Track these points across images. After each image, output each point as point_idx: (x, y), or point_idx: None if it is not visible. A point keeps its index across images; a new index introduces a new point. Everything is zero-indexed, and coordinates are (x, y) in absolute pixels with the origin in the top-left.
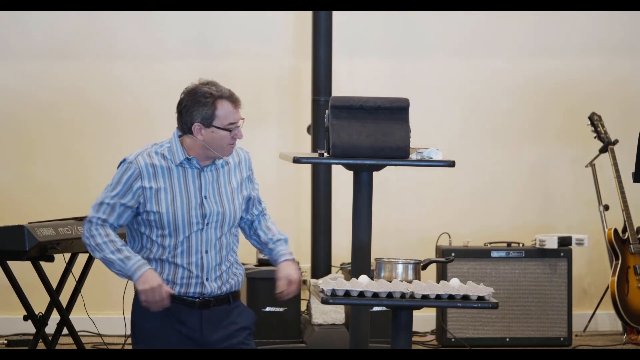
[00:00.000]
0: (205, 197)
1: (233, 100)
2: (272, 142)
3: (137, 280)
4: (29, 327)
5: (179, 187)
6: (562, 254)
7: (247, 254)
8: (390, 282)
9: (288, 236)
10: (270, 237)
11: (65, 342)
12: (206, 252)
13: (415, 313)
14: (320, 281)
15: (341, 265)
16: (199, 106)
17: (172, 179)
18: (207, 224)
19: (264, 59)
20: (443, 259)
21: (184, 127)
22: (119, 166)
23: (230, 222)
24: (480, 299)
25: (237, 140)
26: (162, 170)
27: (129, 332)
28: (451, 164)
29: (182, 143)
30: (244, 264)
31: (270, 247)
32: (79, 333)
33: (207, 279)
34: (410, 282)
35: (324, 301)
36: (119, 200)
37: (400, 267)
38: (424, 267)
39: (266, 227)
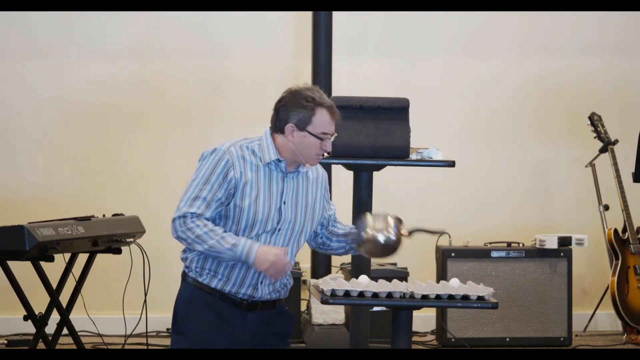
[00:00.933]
0: (284, 202)
1: (332, 111)
2: None
3: (254, 264)
4: (29, 327)
5: (264, 185)
6: (562, 254)
7: None
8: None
9: None
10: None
11: (65, 342)
12: None
13: (415, 313)
14: (320, 281)
15: (341, 265)
16: (298, 107)
17: (258, 175)
18: (279, 229)
19: (264, 59)
20: (433, 230)
21: (277, 124)
22: (204, 157)
23: (297, 233)
24: (480, 299)
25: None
26: (251, 165)
27: (129, 332)
28: (451, 164)
29: (274, 143)
30: None
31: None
32: (79, 333)
33: (261, 282)
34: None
35: (324, 301)
36: (214, 194)
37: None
38: (410, 234)
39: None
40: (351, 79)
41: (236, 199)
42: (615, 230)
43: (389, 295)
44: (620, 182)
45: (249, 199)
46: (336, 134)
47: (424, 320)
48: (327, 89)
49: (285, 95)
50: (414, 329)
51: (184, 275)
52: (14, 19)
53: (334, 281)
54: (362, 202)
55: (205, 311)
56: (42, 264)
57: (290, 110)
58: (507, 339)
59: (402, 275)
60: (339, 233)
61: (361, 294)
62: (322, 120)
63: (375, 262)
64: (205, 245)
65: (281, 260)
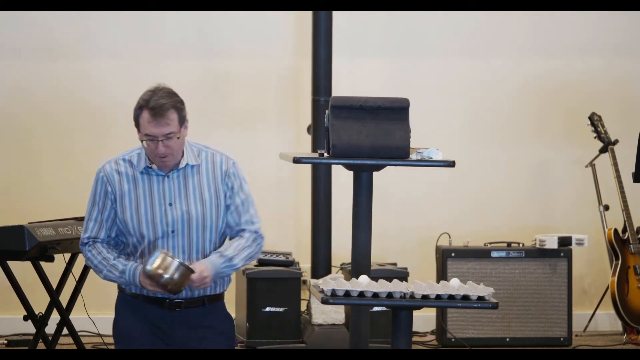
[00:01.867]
0: (170, 204)
1: (154, 113)
2: (272, 142)
3: (140, 286)
4: (29, 327)
5: (143, 193)
6: (562, 254)
7: None
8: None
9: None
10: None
11: (65, 342)
12: (174, 254)
13: (415, 313)
14: (320, 281)
15: (341, 265)
16: (135, 109)
17: (137, 185)
18: (173, 231)
19: (264, 59)
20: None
21: None
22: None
23: (199, 230)
24: (480, 299)
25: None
26: (127, 177)
27: None
28: (451, 164)
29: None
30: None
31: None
32: (79, 333)
33: None
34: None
35: (324, 301)
36: (101, 215)
37: None
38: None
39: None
40: (351, 79)
41: (119, 213)
42: (615, 230)
43: (389, 295)
44: (620, 182)
45: (130, 211)
46: (171, 135)
47: (424, 320)
48: (327, 89)
49: None
50: (414, 329)
51: (118, 286)
52: (13, 19)
53: (334, 281)
54: (362, 202)
55: (136, 314)
56: (42, 264)
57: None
58: (507, 339)
59: (402, 275)
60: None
61: (361, 294)
62: (144, 123)
63: (375, 262)
64: (101, 274)
65: (152, 284)
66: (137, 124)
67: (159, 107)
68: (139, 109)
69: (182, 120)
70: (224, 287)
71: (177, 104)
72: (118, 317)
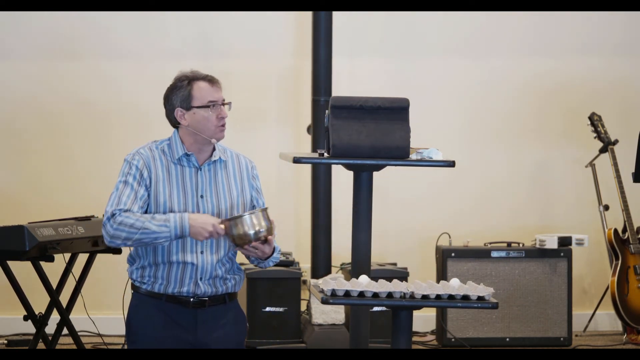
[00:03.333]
0: (202, 196)
1: (209, 79)
2: (272, 142)
3: (191, 234)
4: (29, 327)
5: (176, 183)
6: (562, 254)
7: None
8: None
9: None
10: None
11: (65, 342)
12: (201, 252)
13: (415, 313)
14: (320, 281)
15: (341, 265)
16: (176, 91)
17: (170, 174)
18: None
19: (264, 59)
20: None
21: (171, 118)
22: (124, 162)
23: None
24: (480, 299)
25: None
26: (162, 164)
27: None
28: (451, 164)
29: (181, 139)
30: (243, 264)
31: None
32: (79, 333)
33: (200, 279)
34: (265, 227)
35: (324, 301)
36: (136, 192)
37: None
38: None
39: None
40: (351, 79)
41: (151, 198)
42: (615, 230)
43: (389, 295)
44: (620, 182)
45: (163, 197)
46: (229, 103)
47: (424, 320)
48: (327, 89)
49: (166, 90)
50: (414, 329)
51: (133, 287)
52: (12, 19)
53: (334, 281)
54: (362, 202)
55: (156, 315)
56: (42, 264)
57: (171, 97)
58: (507, 339)
59: (402, 275)
60: None
61: (361, 294)
62: (203, 91)
63: (375, 262)
64: (138, 232)
65: (212, 226)
66: (189, 98)
67: (212, 76)
68: (188, 84)
69: None
70: (240, 285)
71: None
72: (133, 317)
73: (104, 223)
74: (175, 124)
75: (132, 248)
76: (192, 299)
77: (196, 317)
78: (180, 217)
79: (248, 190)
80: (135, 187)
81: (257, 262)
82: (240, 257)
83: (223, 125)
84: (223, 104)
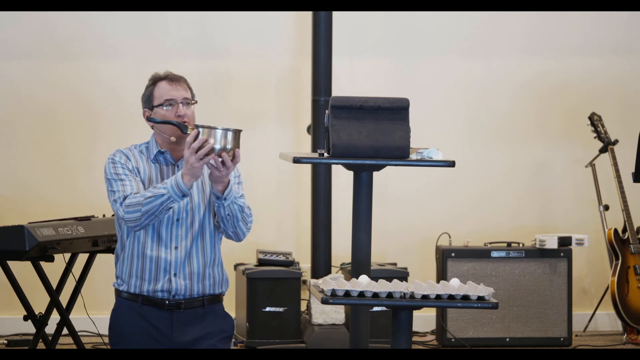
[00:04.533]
0: None
1: (169, 78)
2: (272, 142)
3: (186, 175)
4: (29, 327)
5: (156, 180)
6: (562, 254)
7: (246, 253)
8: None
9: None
10: None
11: (65, 342)
12: (176, 248)
13: (415, 313)
14: (320, 281)
15: (341, 265)
16: (144, 92)
17: (151, 172)
18: (178, 219)
19: (264, 59)
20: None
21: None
22: (106, 165)
23: (201, 217)
24: (480, 299)
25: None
26: (142, 162)
27: None
28: (451, 164)
29: (155, 139)
30: (243, 264)
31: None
32: (79, 333)
33: (175, 275)
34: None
35: (324, 301)
36: (131, 178)
37: (219, 133)
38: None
39: None
40: (351, 79)
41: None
42: (615, 230)
43: (389, 295)
44: (620, 182)
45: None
46: (194, 102)
47: (424, 320)
48: (327, 89)
49: None
50: (414, 329)
51: (115, 291)
52: (10, 19)
53: (334, 281)
54: (362, 202)
55: (133, 317)
56: (42, 264)
57: (141, 99)
58: (507, 339)
59: (402, 275)
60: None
61: (361, 294)
62: (161, 90)
63: (375, 262)
64: (144, 204)
65: (196, 153)
66: (151, 98)
67: (175, 75)
68: (152, 84)
69: (192, 97)
70: (223, 288)
71: (187, 82)
72: (115, 320)
73: (116, 212)
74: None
75: (118, 244)
76: (167, 301)
77: (172, 321)
78: (173, 176)
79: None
80: (130, 176)
81: (218, 200)
82: (235, 260)
83: (185, 122)
84: (183, 103)
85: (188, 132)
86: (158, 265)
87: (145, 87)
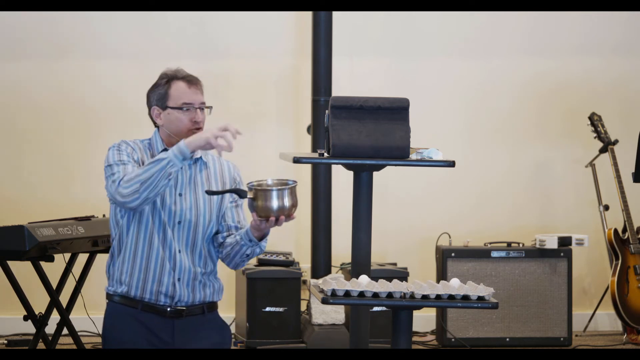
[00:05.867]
0: (180, 194)
1: (188, 80)
2: (272, 142)
3: (189, 148)
4: (29, 327)
5: None
6: (562, 254)
7: None
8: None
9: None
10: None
11: (65, 342)
12: (179, 251)
13: (415, 313)
14: (320, 281)
15: (341, 265)
16: (155, 89)
17: None
18: (180, 222)
19: (264, 59)
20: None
21: (150, 116)
22: (110, 150)
23: (204, 226)
24: (480, 299)
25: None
26: (147, 159)
27: None
28: (451, 164)
29: (161, 137)
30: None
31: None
32: (79, 333)
33: (178, 279)
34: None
35: (324, 301)
36: (134, 165)
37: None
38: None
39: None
40: (351, 79)
41: None
42: (615, 230)
43: (389, 295)
44: (620, 182)
45: None
46: (210, 107)
47: (424, 320)
48: (327, 89)
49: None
50: (414, 329)
51: (107, 295)
52: (8, 19)
53: (334, 281)
54: (362, 202)
55: (131, 324)
56: (42, 264)
57: (150, 95)
58: (507, 339)
59: (402, 275)
60: (226, 239)
61: (361, 294)
62: (179, 91)
63: (375, 262)
64: (147, 172)
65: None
66: (166, 98)
67: (192, 76)
68: (166, 82)
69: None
70: (220, 296)
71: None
72: (111, 326)
73: (114, 193)
74: (155, 124)
75: (114, 244)
76: (169, 309)
77: (173, 327)
78: (173, 148)
79: (227, 195)
80: (133, 164)
81: (250, 242)
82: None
83: (198, 129)
84: (200, 108)
85: (248, 196)
86: (163, 266)
87: (154, 84)
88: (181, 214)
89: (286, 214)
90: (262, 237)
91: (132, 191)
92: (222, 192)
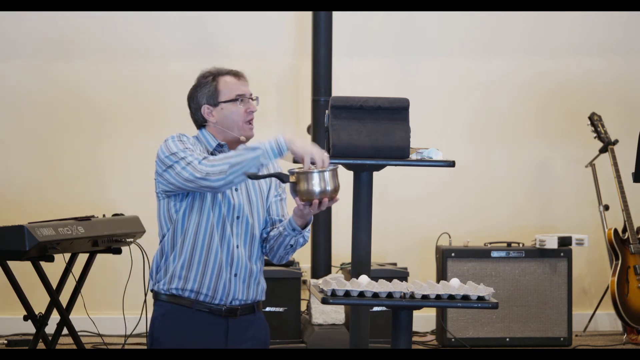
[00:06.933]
0: (236, 189)
1: (234, 73)
2: None
3: (292, 143)
4: (29, 327)
5: None
6: (562, 254)
7: None
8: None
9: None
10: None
11: (65, 342)
12: (237, 246)
13: (415, 313)
14: (320, 281)
15: (341, 265)
16: (201, 88)
17: None
18: (238, 217)
19: (264, 59)
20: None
21: (197, 117)
22: (169, 140)
23: (259, 221)
24: (480, 299)
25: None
26: (203, 153)
27: (129, 331)
28: (451, 164)
29: (212, 134)
30: None
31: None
32: (79, 333)
33: (235, 275)
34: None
35: (324, 301)
36: (195, 150)
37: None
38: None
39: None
40: (351, 79)
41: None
42: (615, 230)
43: (389, 295)
44: (620, 182)
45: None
46: (256, 97)
47: (424, 320)
48: (327, 89)
49: (190, 90)
50: (414, 329)
51: (155, 294)
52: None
53: (334, 281)
54: (362, 202)
55: (183, 327)
56: (42, 264)
57: (196, 95)
58: (507, 339)
59: (402, 275)
60: (273, 231)
61: (361, 294)
62: (229, 85)
63: (375, 262)
64: (239, 156)
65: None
66: (216, 94)
67: (238, 71)
68: (213, 80)
69: None
70: (264, 295)
71: None
72: (159, 328)
73: (193, 171)
74: (201, 123)
75: (165, 240)
76: (224, 307)
77: (227, 327)
78: (272, 139)
79: (273, 187)
80: (196, 149)
81: (293, 232)
82: None
83: (251, 121)
84: (251, 98)
85: (290, 181)
86: (221, 261)
87: (197, 84)
88: (239, 209)
89: (329, 196)
90: (305, 225)
91: (219, 170)
92: (265, 176)
